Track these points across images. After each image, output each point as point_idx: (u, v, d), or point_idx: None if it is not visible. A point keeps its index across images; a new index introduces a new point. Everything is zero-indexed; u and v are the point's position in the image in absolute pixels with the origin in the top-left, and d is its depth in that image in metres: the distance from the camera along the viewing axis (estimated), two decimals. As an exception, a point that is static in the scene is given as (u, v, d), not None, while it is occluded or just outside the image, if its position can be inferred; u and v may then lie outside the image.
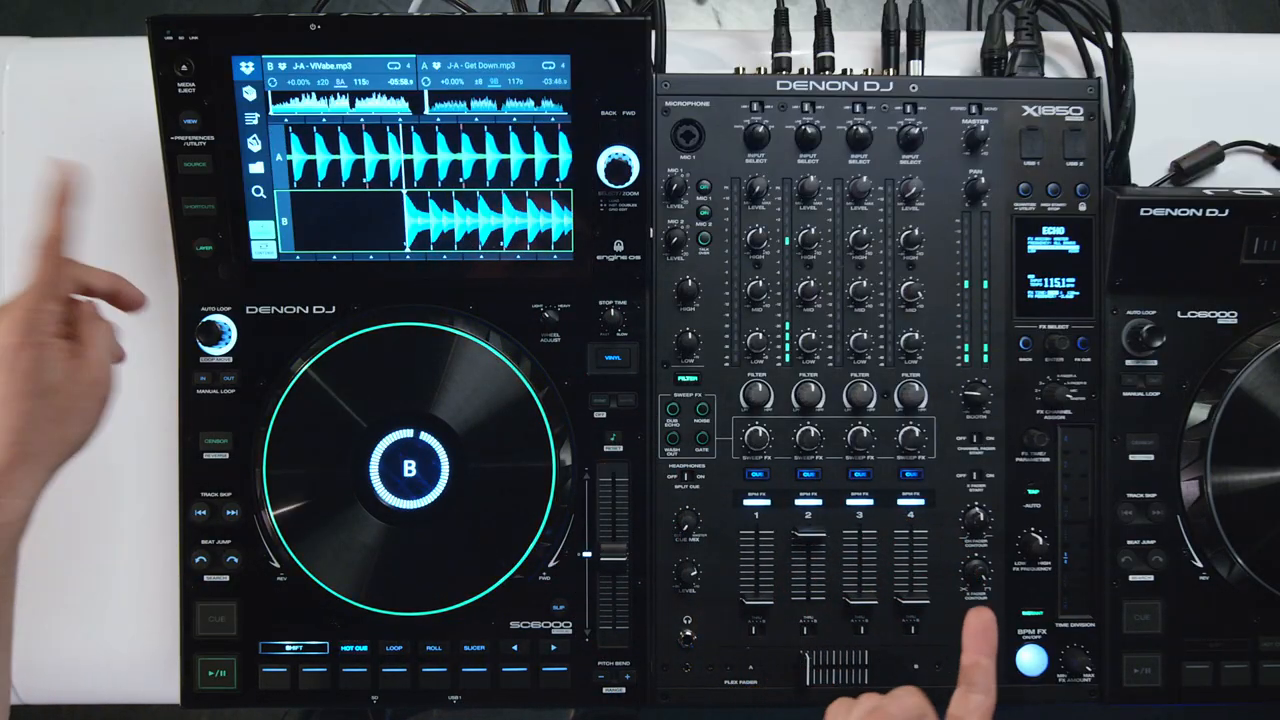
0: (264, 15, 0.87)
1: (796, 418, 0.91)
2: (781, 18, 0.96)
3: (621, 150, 0.88)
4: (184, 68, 0.85)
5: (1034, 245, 0.92)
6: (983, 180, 0.91)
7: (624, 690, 0.91)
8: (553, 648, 0.91)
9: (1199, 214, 0.90)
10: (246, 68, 0.86)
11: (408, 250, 0.90)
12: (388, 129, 0.87)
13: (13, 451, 0.71)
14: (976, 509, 0.91)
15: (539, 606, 0.91)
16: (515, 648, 0.91)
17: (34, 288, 0.73)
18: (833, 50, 0.95)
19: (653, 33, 0.91)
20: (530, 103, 0.87)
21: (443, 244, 0.90)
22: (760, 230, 0.91)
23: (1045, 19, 0.98)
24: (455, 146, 0.88)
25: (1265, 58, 1.03)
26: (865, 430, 0.90)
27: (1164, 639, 0.91)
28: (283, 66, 0.86)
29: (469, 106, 0.87)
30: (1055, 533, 0.91)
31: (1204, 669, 0.91)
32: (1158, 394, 0.92)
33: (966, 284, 0.92)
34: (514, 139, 0.88)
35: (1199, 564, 0.91)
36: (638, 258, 0.90)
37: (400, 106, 0.87)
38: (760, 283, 0.91)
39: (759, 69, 0.93)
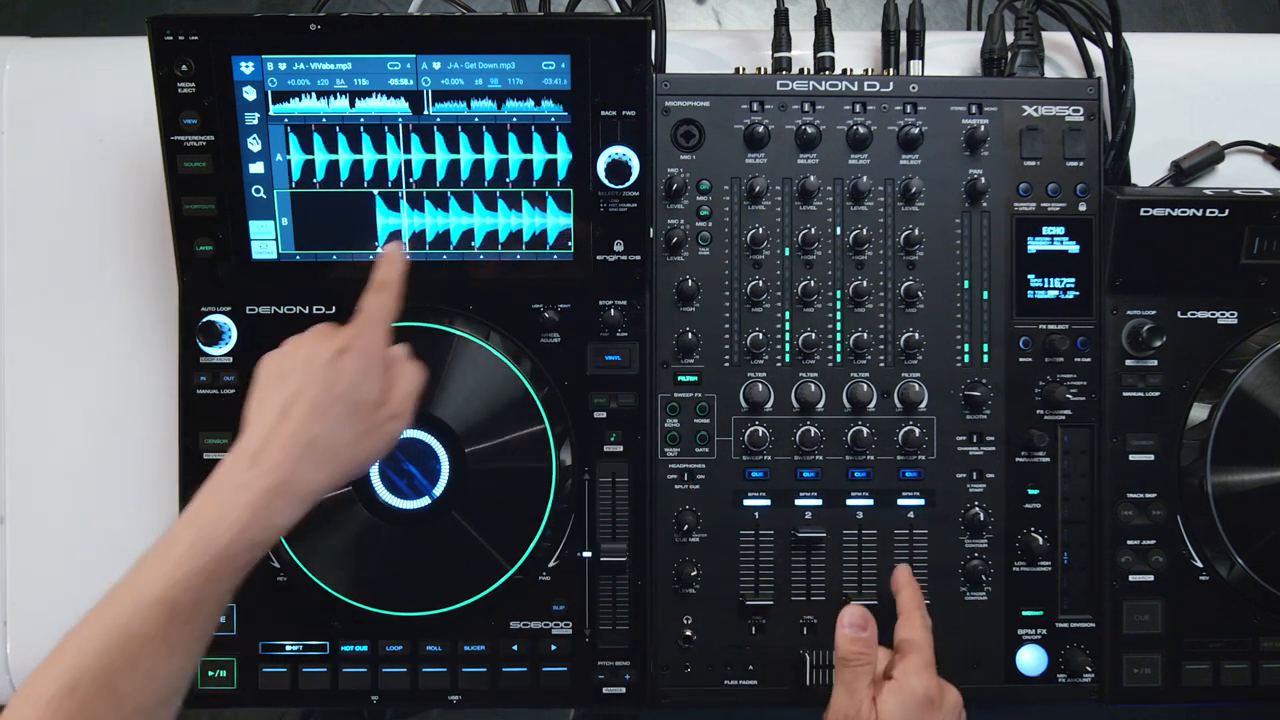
0: (264, 15, 0.88)
1: (796, 418, 0.91)
2: (781, 18, 0.96)
3: (621, 150, 0.88)
4: (184, 68, 0.85)
5: (1034, 245, 0.92)
6: (983, 180, 0.91)
7: (624, 690, 0.91)
8: (553, 648, 0.90)
9: (1199, 214, 0.90)
10: (246, 68, 0.86)
11: (408, 250, 0.90)
12: (387, 129, 0.87)
13: (306, 464, 0.69)
14: (976, 509, 0.91)
15: (539, 606, 0.90)
16: (515, 648, 0.91)
17: (366, 317, 0.75)
18: (833, 50, 0.95)
19: (653, 33, 0.91)
20: (530, 103, 0.87)
21: (441, 244, 0.90)
22: (760, 230, 0.91)
23: (1045, 19, 0.98)
24: (455, 146, 0.88)
25: (1265, 58, 1.03)
26: (865, 430, 0.90)
27: (1164, 639, 0.91)
28: (283, 66, 0.86)
29: (469, 106, 0.87)
30: (1055, 533, 0.91)
31: (1204, 669, 0.91)
32: (1158, 394, 0.92)
33: (966, 284, 0.92)
34: (514, 139, 0.88)
35: (1199, 564, 0.91)
36: (638, 258, 0.90)
37: (400, 106, 0.87)
38: (760, 283, 0.91)
39: (759, 69, 0.93)
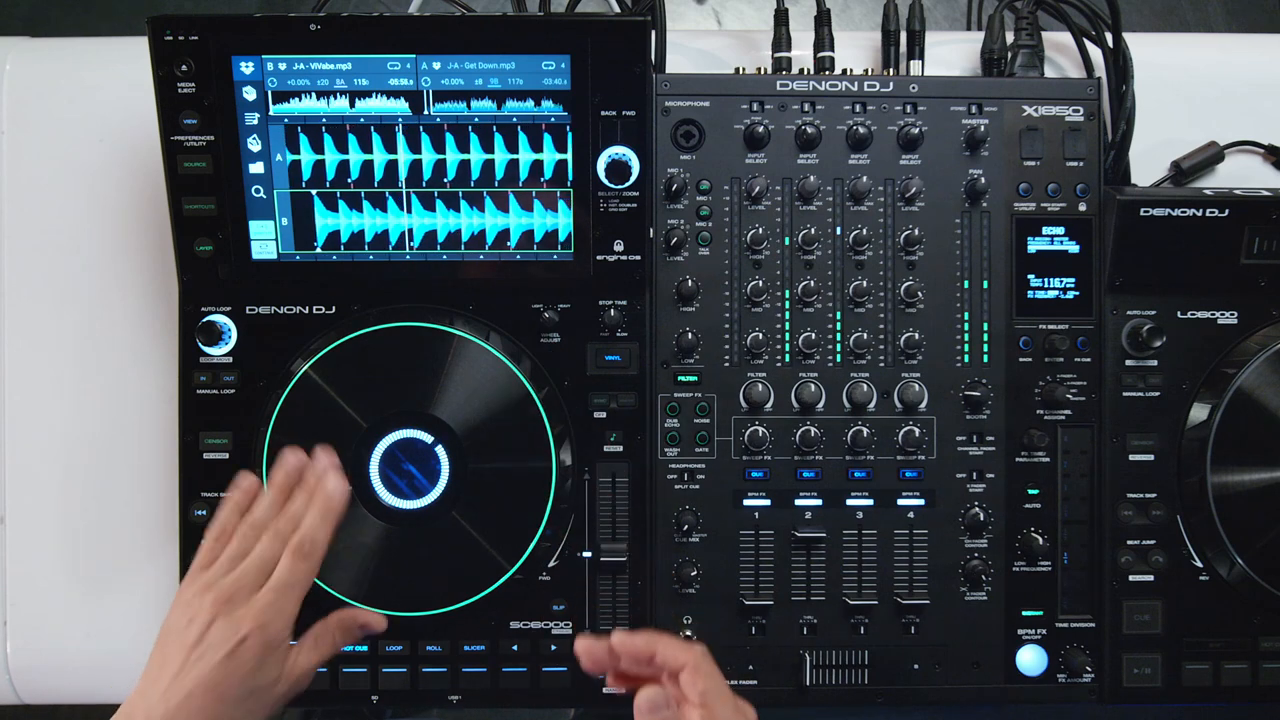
0: (264, 15, 0.87)
1: (796, 418, 0.91)
2: (781, 18, 0.96)
3: (621, 150, 0.88)
4: (184, 68, 0.85)
5: (1034, 245, 0.92)
6: (983, 180, 0.91)
7: (624, 690, 0.91)
8: (553, 648, 0.90)
9: (1199, 214, 0.90)
10: (246, 68, 0.86)
11: (408, 250, 0.90)
12: (390, 128, 0.87)
13: None
14: (976, 509, 0.91)
15: (539, 606, 0.90)
16: (515, 648, 0.91)
17: (283, 586, 0.73)
18: (833, 50, 0.95)
19: (653, 33, 0.91)
20: (530, 103, 0.87)
21: (442, 244, 0.90)
22: (760, 230, 0.91)
23: (1045, 19, 0.98)
24: (457, 147, 0.88)
25: (1265, 58, 1.03)
26: (865, 430, 0.90)
27: (1164, 639, 0.91)
28: (283, 66, 0.86)
29: (469, 107, 0.87)
30: (1055, 533, 0.91)
31: (1204, 669, 0.91)
32: (1158, 394, 0.92)
33: (966, 284, 0.92)
34: (515, 139, 0.88)
35: (1199, 564, 0.91)
36: (638, 258, 0.90)
37: (400, 106, 0.87)
38: (760, 283, 0.91)
39: (759, 69, 0.93)
